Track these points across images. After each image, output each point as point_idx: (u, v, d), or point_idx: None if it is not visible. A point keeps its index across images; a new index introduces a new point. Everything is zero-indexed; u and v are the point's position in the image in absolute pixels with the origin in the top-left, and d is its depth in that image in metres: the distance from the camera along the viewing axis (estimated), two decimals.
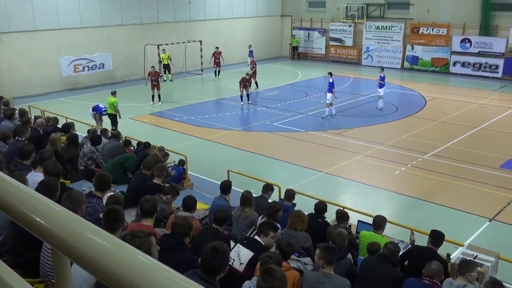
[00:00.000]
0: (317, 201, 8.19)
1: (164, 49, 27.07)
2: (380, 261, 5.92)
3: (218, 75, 28.57)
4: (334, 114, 19.43)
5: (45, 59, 23.88)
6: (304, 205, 8.50)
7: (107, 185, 6.23)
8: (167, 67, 27.07)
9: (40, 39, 23.65)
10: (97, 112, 17.02)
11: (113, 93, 16.77)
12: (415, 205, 11.52)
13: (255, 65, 24.98)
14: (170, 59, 27.07)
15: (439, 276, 5.42)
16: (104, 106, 16.98)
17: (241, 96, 21.81)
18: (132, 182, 8.43)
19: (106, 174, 6.59)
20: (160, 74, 23.19)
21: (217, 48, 28.53)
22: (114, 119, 16.65)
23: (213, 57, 28.42)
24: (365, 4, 31.67)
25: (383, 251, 6.07)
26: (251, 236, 5.90)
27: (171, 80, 27.15)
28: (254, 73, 24.51)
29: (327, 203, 8.09)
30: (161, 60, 26.82)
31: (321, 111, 19.83)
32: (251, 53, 30.29)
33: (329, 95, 19.21)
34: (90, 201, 5.82)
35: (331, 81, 19.23)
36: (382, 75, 20.43)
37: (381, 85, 20.31)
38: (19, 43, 22.95)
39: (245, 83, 21.50)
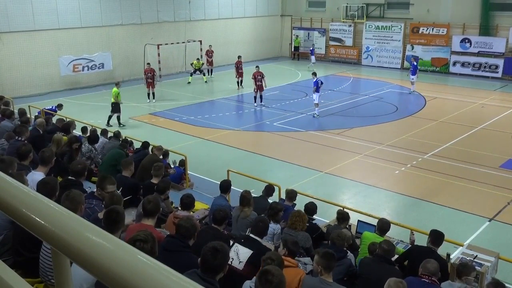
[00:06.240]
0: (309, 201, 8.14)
1: (198, 58, 27.29)
2: (377, 261, 5.92)
3: (211, 74, 28.46)
4: (318, 115, 19.36)
5: (45, 59, 23.87)
6: (304, 205, 8.49)
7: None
8: (199, 70, 26.80)
9: (40, 39, 23.65)
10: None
11: (117, 84, 18.51)
12: (415, 205, 11.52)
13: (241, 65, 24.77)
14: (202, 64, 27.17)
15: (437, 274, 5.43)
16: (53, 107, 16.77)
17: (255, 97, 21.40)
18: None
19: (107, 175, 6.55)
20: (155, 73, 23.04)
21: (210, 46, 28.50)
22: (115, 107, 18.25)
23: (206, 56, 28.38)
24: (365, 4, 31.67)
25: (378, 250, 6.06)
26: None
27: (205, 82, 26.92)
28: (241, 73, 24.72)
29: (327, 203, 8.09)
30: (194, 67, 26.58)
31: (321, 111, 19.85)
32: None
33: (315, 95, 19.30)
34: (90, 202, 5.76)
35: (314, 80, 19.32)
36: None
37: None
38: (19, 43, 22.95)
39: (259, 83, 20.91)
